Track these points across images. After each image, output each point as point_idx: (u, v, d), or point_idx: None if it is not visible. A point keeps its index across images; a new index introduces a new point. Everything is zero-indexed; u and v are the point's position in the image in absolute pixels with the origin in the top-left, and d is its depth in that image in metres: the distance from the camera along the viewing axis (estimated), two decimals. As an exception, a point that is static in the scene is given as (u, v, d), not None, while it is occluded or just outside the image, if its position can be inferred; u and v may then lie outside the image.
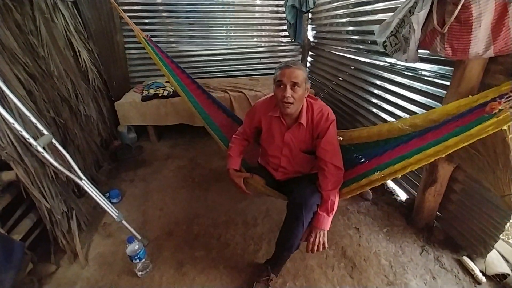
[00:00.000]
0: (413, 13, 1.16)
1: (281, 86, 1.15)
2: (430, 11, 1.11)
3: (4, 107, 1.09)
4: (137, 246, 1.35)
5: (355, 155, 1.35)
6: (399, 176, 0.99)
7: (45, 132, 1.25)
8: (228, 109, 1.98)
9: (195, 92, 1.91)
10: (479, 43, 1.03)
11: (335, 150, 1.22)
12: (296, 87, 1.13)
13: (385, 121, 2.02)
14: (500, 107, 0.78)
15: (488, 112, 0.80)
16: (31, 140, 1.13)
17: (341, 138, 1.41)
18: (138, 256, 1.34)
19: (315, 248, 1.12)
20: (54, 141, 1.27)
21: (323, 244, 1.12)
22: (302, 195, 1.14)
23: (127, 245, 1.35)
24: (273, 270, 1.32)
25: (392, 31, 1.31)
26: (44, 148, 1.19)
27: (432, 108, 1.55)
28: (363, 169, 1.21)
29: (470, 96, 0.91)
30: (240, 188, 1.35)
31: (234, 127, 1.64)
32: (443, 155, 0.88)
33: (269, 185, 1.37)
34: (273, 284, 1.32)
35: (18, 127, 1.09)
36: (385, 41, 1.35)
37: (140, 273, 1.37)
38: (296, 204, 1.13)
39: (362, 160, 1.27)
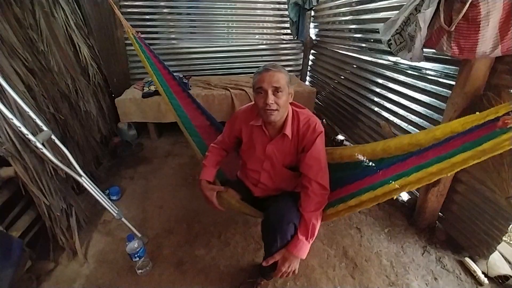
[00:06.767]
0: (420, 11, 1.14)
1: (262, 93, 1.03)
2: (437, 9, 1.09)
3: (3, 102, 1.08)
4: (137, 244, 1.34)
5: (345, 173, 1.18)
6: (395, 196, 0.91)
7: (44, 128, 1.24)
8: (213, 116, 1.83)
9: (179, 95, 1.81)
10: (487, 42, 1.01)
11: (321, 166, 1.06)
12: (279, 92, 1.01)
13: (387, 120, 2.00)
14: None
15: (501, 127, 0.74)
16: (30, 136, 1.11)
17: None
18: (138, 254, 1.33)
19: (283, 276, 0.99)
20: (53, 137, 1.26)
21: (293, 272, 0.99)
22: (278, 212, 1.01)
23: (126, 243, 1.34)
24: (263, 273, 1.28)
25: (397, 29, 1.29)
26: (43, 144, 1.18)
27: (436, 107, 1.55)
28: (353, 188, 1.06)
29: (478, 113, 0.81)
30: (211, 203, 1.18)
31: (216, 135, 1.44)
32: (449, 174, 0.81)
33: (245, 201, 1.22)
34: (274, 284, 1.31)
35: (17, 122, 1.07)
36: (390, 40, 1.33)
37: (140, 271, 1.36)
38: (270, 223, 1.01)
39: (352, 179, 1.11)
